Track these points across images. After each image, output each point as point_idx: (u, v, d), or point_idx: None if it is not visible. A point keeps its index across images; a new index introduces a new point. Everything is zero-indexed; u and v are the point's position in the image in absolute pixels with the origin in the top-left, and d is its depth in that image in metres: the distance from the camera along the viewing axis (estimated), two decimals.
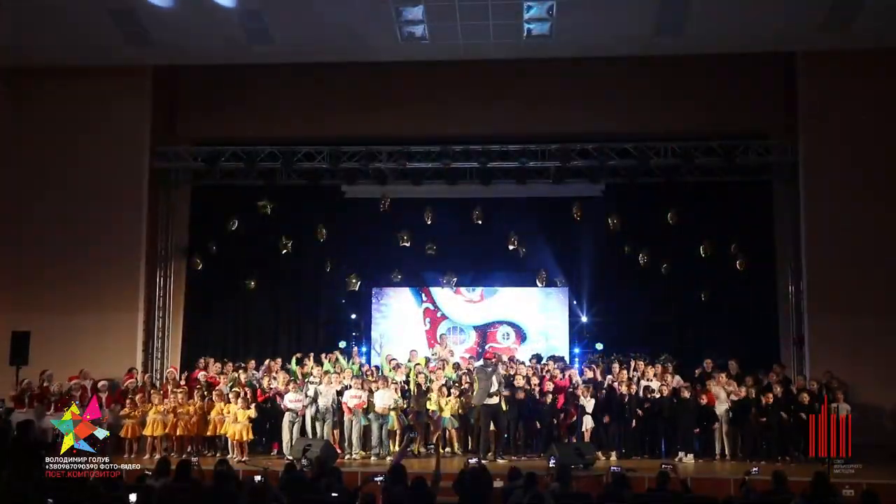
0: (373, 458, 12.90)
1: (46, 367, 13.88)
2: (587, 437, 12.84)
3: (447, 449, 13.24)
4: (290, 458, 11.65)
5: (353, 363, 14.37)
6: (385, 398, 13.01)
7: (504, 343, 15.95)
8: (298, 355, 14.54)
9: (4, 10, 13.67)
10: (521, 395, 13.02)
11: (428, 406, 13.24)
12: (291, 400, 13.14)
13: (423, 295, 16.50)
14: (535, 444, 13.26)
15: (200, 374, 14.30)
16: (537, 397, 13.18)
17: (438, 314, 16.42)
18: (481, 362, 13.32)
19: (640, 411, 13.06)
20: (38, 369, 13.83)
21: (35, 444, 10.28)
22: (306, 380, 13.56)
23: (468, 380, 13.53)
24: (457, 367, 14.49)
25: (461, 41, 14.46)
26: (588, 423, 12.94)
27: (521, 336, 16.17)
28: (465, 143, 15.77)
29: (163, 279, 16.38)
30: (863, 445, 11.19)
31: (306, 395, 13.13)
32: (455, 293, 16.39)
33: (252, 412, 12.99)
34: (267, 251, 16.31)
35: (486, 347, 15.10)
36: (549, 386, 13.32)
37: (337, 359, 14.37)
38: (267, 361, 14.56)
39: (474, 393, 13.00)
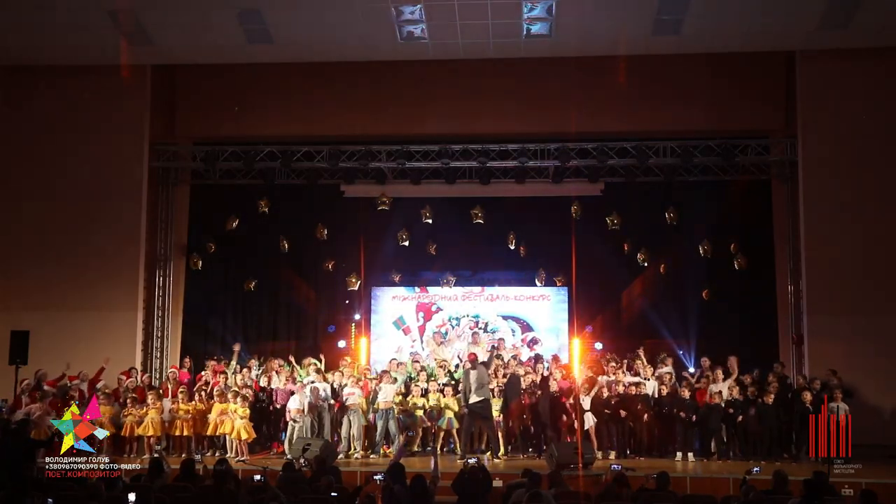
0: (380, 455, 12.91)
1: (48, 367, 13.86)
2: (590, 437, 12.85)
3: (444, 448, 13.26)
4: (289, 457, 11.66)
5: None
6: (387, 394, 13.02)
7: (508, 340, 15.88)
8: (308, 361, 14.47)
9: (2, 9, 13.65)
10: (525, 399, 13.07)
11: (427, 406, 13.25)
12: (292, 399, 13.14)
13: (417, 289, 16.47)
14: (535, 443, 13.26)
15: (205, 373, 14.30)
16: (537, 397, 13.18)
17: (434, 308, 16.38)
18: (468, 364, 13.33)
19: (639, 411, 13.05)
20: (37, 369, 13.83)
21: (31, 444, 10.28)
22: (303, 378, 13.60)
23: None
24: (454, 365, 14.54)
25: (461, 41, 14.44)
26: (588, 422, 12.94)
27: (527, 329, 16.16)
28: (465, 143, 15.79)
29: (162, 278, 16.37)
30: (863, 445, 11.21)
31: (305, 396, 13.14)
32: (454, 289, 16.35)
33: (246, 411, 13.00)
34: (266, 251, 16.32)
35: (478, 349, 15.07)
36: (553, 385, 13.31)
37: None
38: (262, 362, 14.55)
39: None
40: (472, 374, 12.67)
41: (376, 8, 13.51)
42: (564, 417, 13.07)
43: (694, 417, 12.86)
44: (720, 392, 13.07)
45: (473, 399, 12.56)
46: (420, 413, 13.21)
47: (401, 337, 16.27)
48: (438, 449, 13.14)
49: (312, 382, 13.32)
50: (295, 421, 12.97)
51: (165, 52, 15.20)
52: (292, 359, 14.42)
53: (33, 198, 15.70)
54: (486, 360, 13.42)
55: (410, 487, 8.04)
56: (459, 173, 16.04)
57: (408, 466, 9.14)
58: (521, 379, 13.36)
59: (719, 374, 13.44)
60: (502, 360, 14.22)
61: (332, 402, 13.29)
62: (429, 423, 13.29)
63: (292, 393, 13.27)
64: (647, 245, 15.67)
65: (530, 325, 16.20)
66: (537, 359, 14.63)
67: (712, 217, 15.72)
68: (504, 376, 13.45)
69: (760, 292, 15.64)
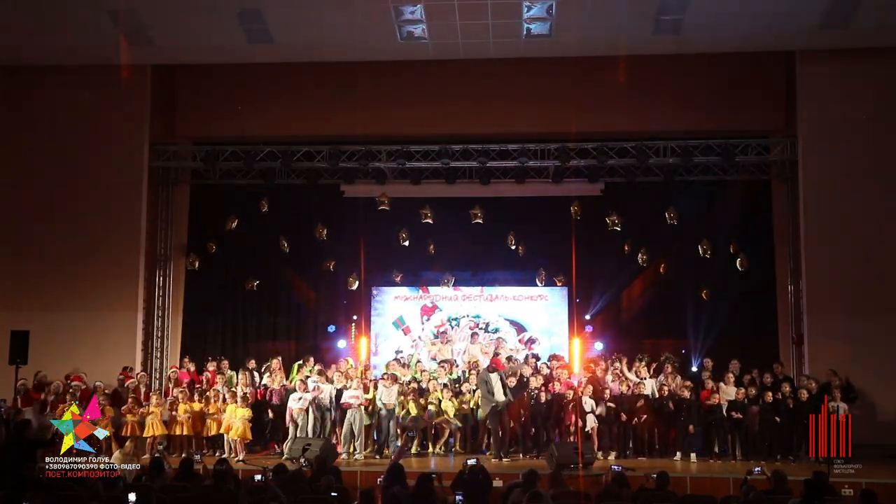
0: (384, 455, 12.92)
1: (48, 367, 13.90)
2: (590, 437, 12.85)
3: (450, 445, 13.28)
4: (287, 456, 11.65)
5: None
6: (390, 394, 13.03)
7: (508, 341, 15.84)
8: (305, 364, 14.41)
9: (2, 9, 13.65)
10: (525, 399, 13.09)
11: (429, 407, 13.26)
12: (294, 399, 13.15)
13: (419, 290, 16.46)
14: (536, 443, 13.25)
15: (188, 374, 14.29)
16: (537, 397, 13.17)
17: (436, 310, 16.37)
18: (487, 367, 13.37)
19: (640, 411, 13.05)
20: (37, 369, 13.85)
21: (31, 444, 10.28)
22: (306, 378, 13.58)
23: (470, 380, 13.59)
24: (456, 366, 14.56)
25: (461, 41, 14.44)
26: (589, 422, 12.94)
27: (522, 332, 16.14)
28: (465, 143, 15.77)
29: (162, 278, 16.38)
30: (863, 445, 11.21)
31: (307, 392, 13.13)
32: (454, 289, 16.34)
33: (249, 412, 12.99)
34: (266, 251, 16.31)
35: (499, 352, 15.08)
36: (554, 386, 13.30)
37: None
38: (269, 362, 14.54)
39: (478, 401, 13.09)
40: (494, 377, 12.83)
41: (376, 8, 13.51)
42: (567, 415, 13.05)
43: (696, 418, 12.85)
44: (720, 392, 13.07)
45: (499, 400, 12.71)
46: (422, 413, 13.21)
47: (401, 337, 16.26)
48: (436, 450, 13.20)
49: (315, 384, 13.31)
50: (296, 422, 12.98)
51: (165, 52, 15.21)
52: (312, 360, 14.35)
53: (33, 198, 15.70)
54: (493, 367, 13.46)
55: (415, 487, 8.03)
56: (459, 173, 16.04)
57: (407, 467, 9.15)
58: (515, 378, 13.37)
59: (718, 375, 13.43)
60: (514, 360, 14.23)
61: (333, 403, 13.28)
62: (436, 425, 13.31)
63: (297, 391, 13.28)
64: (647, 245, 15.66)
65: (524, 326, 16.15)
66: (535, 357, 14.63)
67: (712, 217, 15.74)
68: (514, 374, 13.44)
69: (760, 292, 15.64)
